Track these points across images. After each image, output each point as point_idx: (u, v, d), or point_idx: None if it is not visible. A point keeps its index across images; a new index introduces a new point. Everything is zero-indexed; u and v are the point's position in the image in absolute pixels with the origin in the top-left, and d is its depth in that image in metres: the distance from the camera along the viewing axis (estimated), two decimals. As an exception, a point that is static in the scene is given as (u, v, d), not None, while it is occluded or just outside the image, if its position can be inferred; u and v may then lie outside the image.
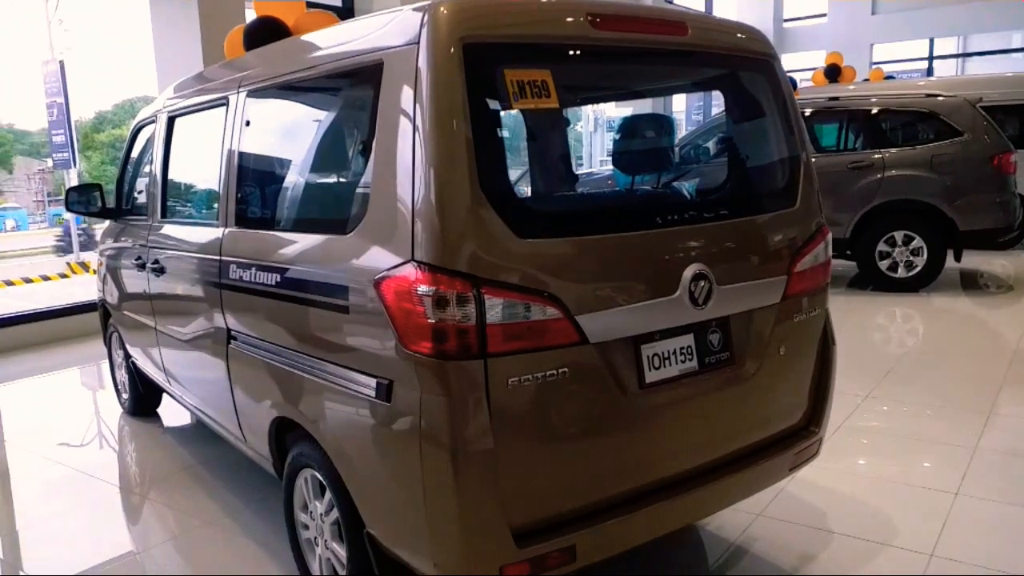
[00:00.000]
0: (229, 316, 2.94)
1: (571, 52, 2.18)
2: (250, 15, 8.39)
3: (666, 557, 2.95)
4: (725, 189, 2.73)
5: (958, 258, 7.72)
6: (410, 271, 1.95)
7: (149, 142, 4.03)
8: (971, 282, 8.32)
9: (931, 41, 14.54)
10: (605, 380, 2.12)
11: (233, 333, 2.93)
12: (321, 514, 2.55)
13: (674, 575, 2.87)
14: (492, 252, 1.95)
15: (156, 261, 3.65)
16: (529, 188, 2.91)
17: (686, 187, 2.86)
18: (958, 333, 6.43)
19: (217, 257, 2.96)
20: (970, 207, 7.30)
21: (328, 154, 2.69)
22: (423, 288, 1.91)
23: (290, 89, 2.74)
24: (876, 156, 7.64)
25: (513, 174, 2.10)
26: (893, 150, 7.66)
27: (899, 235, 7.60)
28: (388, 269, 2.01)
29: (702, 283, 2.28)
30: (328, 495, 2.48)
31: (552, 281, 2.02)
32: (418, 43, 1.97)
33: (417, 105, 1.95)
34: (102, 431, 4.91)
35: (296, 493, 2.70)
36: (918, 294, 7.56)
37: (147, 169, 4.00)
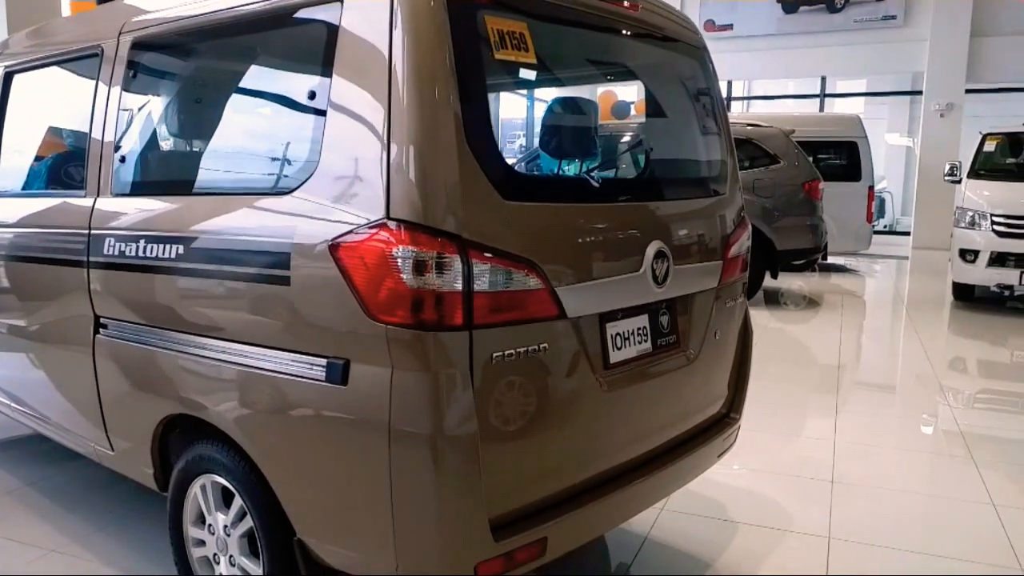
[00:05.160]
0: (98, 300, 2.48)
1: (544, 7, 2.05)
2: (65, 8, 7.50)
3: (580, 558, 2.84)
4: (670, 172, 2.70)
5: (775, 275, 8.36)
6: (384, 231, 1.71)
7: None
8: (774, 299, 9.02)
9: (729, 83, 15.94)
10: (579, 358, 2.00)
11: (103, 321, 2.48)
12: (226, 526, 2.20)
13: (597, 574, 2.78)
14: (478, 213, 1.77)
15: (-17, 242, 3.03)
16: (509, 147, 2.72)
17: (642, 166, 2.81)
18: (788, 344, 6.92)
19: (85, 230, 2.50)
20: (786, 229, 7.95)
21: (253, 99, 2.34)
22: (401, 250, 1.69)
23: (200, 28, 2.31)
24: None
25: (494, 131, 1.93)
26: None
27: None
28: (350, 231, 1.76)
29: (663, 261, 2.23)
30: (238, 503, 2.14)
31: (535, 249, 1.87)
32: None
33: (395, 43, 1.73)
34: None
35: (188, 504, 2.32)
36: (736, 309, 8.06)
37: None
